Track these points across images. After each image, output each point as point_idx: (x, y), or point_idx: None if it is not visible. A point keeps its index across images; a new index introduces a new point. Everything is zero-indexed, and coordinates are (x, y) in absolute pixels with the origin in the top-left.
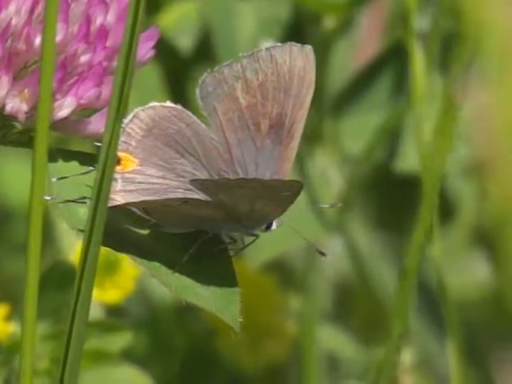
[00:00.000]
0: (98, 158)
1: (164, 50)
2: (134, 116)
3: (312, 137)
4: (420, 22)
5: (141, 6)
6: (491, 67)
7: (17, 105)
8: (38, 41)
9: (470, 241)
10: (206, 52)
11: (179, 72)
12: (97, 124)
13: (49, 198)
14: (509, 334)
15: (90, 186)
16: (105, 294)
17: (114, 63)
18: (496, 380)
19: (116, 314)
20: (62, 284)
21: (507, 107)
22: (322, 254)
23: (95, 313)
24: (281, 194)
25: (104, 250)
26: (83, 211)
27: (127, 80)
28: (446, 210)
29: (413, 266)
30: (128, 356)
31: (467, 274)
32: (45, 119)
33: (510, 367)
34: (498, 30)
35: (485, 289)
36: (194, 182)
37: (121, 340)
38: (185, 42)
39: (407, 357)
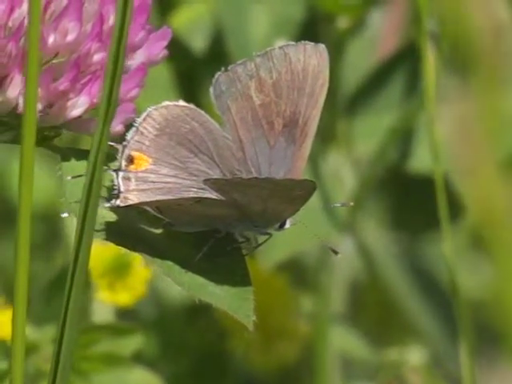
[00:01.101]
0: (88, 159)
1: (177, 50)
2: (147, 115)
3: (325, 136)
4: (433, 22)
5: (128, 7)
6: (474, 75)
7: None
8: (51, 40)
9: (475, 241)
10: (219, 52)
11: (192, 72)
12: None
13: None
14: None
15: (103, 186)
16: (116, 297)
17: (128, 62)
18: (495, 380)
19: (126, 315)
20: None
21: (489, 114)
22: (335, 252)
23: (106, 315)
24: (294, 194)
25: (116, 252)
26: None
27: (116, 82)
28: (454, 211)
29: None
30: (139, 357)
31: (473, 275)
32: (32, 112)
33: (506, 368)
34: (480, 35)
35: (489, 289)
36: (207, 181)
37: (133, 343)
38: (198, 42)
39: (417, 356)
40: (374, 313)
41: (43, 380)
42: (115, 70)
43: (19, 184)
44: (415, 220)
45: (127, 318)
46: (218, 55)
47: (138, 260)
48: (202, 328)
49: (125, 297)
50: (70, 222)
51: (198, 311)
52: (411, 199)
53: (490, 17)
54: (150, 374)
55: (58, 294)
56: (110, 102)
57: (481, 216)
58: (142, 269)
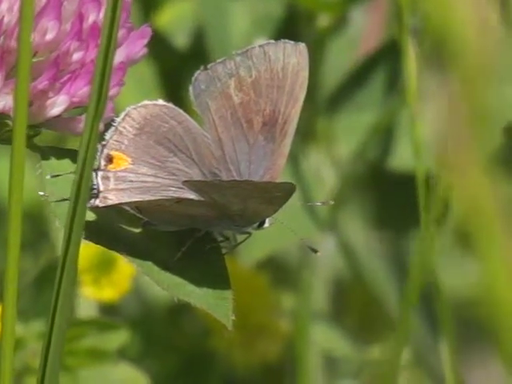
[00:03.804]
0: (77, 158)
1: (160, 49)
2: (126, 115)
3: (306, 135)
4: (415, 19)
5: (118, 5)
6: (458, 71)
7: (9, 103)
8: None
9: (461, 239)
10: (201, 51)
11: (175, 71)
12: None
13: (42, 194)
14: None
15: None
16: (101, 293)
17: None
18: (480, 378)
19: (110, 312)
20: None
21: (474, 111)
22: (314, 250)
23: (90, 311)
24: (273, 195)
25: (100, 248)
26: None
27: (105, 79)
28: (437, 208)
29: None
30: (123, 354)
31: (459, 272)
32: (23, 114)
33: (493, 366)
34: (463, 30)
35: (475, 288)
36: (186, 182)
37: (117, 338)
38: (180, 41)
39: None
40: (357, 311)
41: (30, 376)
42: (104, 67)
43: (9, 185)
44: (397, 218)
45: (111, 314)
46: (201, 54)
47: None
48: (186, 325)
49: (109, 292)
50: (56, 220)
51: (182, 309)
52: (393, 197)
53: (478, 13)
54: (134, 370)
55: (45, 290)
56: (100, 100)
57: (466, 213)
58: (126, 264)
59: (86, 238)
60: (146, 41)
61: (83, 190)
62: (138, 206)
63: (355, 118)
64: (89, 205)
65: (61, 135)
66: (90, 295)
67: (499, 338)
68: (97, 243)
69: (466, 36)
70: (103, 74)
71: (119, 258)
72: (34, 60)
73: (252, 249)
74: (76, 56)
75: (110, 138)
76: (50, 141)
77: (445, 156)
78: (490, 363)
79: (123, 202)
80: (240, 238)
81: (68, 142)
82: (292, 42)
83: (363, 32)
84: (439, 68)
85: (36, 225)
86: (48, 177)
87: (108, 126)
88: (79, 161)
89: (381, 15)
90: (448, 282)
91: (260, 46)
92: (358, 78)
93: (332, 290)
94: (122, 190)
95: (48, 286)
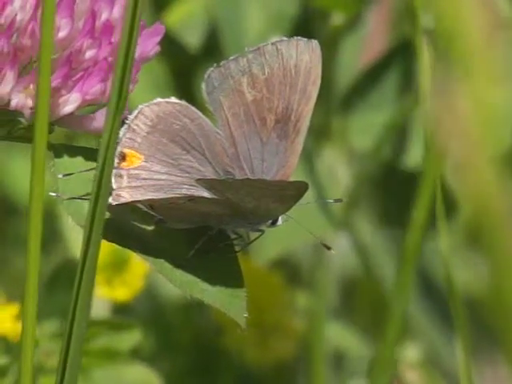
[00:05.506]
0: (98, 155)
1: (172, 46)
2: (138, 112)
3: (320, 133)
4: (427, 18)
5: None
6: (464, 66)
7: (22, 100)
8: None
9: (470, 237)
10: (213, 48)
11: (187, 69)
12: (102, 120)
13: (54, 194)
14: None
15: None
16: (114, 292)
17: None
18: (490, 376)
19: (123, 311)
20: (72, 282)
21: (480, 108)
22: (328, 247)
23: (102, 310)
24: (286, 193)
25: (113, 248)
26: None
27: (126, 75)
28: (448, 207)
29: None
30: (135, 353)
31: (468, 270)
32: (44, 113)
33: (502, 364)
34: (470, 29)
35: (484, 285)
36: (199, 180)
37: (130, 338)
38: (192, 38)
39: (414, 353)
40: (370, 309)
41: (44, 375)
42: (126, 64)
43: (30, 182)
44: (410, 217)
45: (124, 314)
46: (213, 51)
47: (134, 255)
48: (200, 324)
49: (122, 292)
50: (67, 217)
51: (195, 307)
52: (406, 196)
53: (487, 13)
54: (147, 369)
55: (57, 290)
56: (121, 96)
57: (474, 212)
58: (139, 264)
59: None
60: (158, 38)
61: (104, 187)
62: (151, 203)
63: (369, 116)
64: None
65: (71, 133)
66: (103, 295)
67: (508, 336)
68: (110, 241)
69: (476, 35)
70: (124, 70)
71: (132, 258)
72: None
73: (266, 247)
74: (89, 54)
75: (123, 135)
76: (60, 139)
77: (455, 154)
78: (498, 361)
79: (136, 199)
80: (253, 235)
81: (77, 140)
82: (305, 39)
83: (371, 30)
84: (449, 67)
85: (47, 223)
86: (60, 176)
87: (121, 123)
88: (99, 159)
89: (388, 13)
90: (458, 280)
91: (273, 43)
92: (372, 76)
93: (345, 288)
94: (135, 187)
95: (60, 285)
